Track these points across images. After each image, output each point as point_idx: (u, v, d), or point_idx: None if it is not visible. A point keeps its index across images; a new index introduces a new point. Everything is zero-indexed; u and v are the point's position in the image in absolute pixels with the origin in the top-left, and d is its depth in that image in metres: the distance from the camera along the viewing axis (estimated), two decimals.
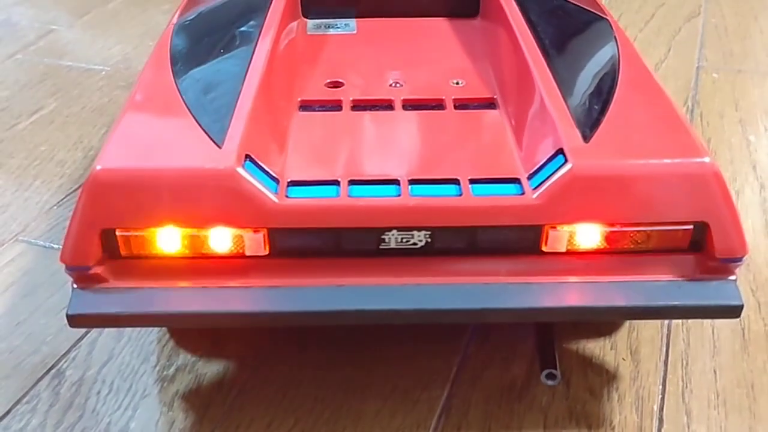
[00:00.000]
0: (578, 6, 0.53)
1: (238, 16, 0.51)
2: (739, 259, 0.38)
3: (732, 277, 0.39)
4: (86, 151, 0.67)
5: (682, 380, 0.46)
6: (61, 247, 0.38)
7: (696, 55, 0.83)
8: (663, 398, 0.44)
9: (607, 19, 0.52)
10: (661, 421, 0.43)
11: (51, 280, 0.53)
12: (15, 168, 0.65)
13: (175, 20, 0.53)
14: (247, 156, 0.38)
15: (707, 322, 0.49)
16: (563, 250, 0.39)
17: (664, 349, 0.48)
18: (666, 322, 0.49)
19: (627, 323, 0.49)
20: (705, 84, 0.78)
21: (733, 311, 0.38)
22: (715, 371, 0.46)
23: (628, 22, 0.91)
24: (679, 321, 0.49)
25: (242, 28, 0.50)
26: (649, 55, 0.83)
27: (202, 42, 0.49)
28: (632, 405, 0.44)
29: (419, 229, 0.38)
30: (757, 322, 0.50)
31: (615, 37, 0.49)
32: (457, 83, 0.48)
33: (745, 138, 0.69)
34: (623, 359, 0.47)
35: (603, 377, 0.46)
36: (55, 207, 0.60)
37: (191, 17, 0.53)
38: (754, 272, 0.54)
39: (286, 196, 0.38)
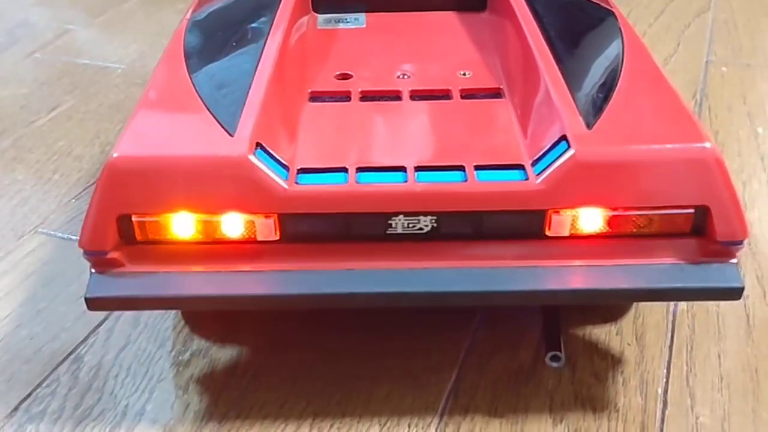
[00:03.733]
0: None
1: (250, 12, 0.53)
2: (740, 242, 0.39)
3: (733, 260, 0.39)
4: (103, 146, 0.69)
5: (687, 364, 0.46)
6: (78, 238, 0.39)
7: (705, 50, 0.84)
8: (667, 382, 0.45)
9: (613, 11, 0.52)
10: (665, 403, 0.44)
11: (69, 270, 0.54)
12: (34, 163, 0.67)
13: (188, 16, 0.54)
14: (259, 144, 0.39)
15: (712, 308, 0.50)
16: (566, 234, 0.40)
17: (669, 334, 0.48)
18: (671, 308, 0.50)
19: (633, 309, 0.50)
20: (714, 78, 0.78)
21: (733, 293, 0.39)
22: (719, 356, 0.47)
23: (638, 17, 0.91)
24: (685, 307, 0.50)
25: (254, 23, 0.51)
26: (659, 50, 0.84)
27: (215, 36, 0.51)
28: (637, 388, 0.45)
29: (425, 214, 0.39)
30: (762, 308, 0.50)
31: (620, 29, 0.50)
32: (464, 74, 0.49)
33: (753, 130, 0.70)
34: (628, 344, 0.47)
35: (608, 362, 0.46)
36: (73, 200, 0.62)
37: (204, 13, 0.54)
38: (759, 260, 0.54)
39: (296, 183, 0.39)
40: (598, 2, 0.54)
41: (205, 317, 0.49)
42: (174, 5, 0.96)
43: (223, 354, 0.47)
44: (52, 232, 0.58)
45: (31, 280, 0.54)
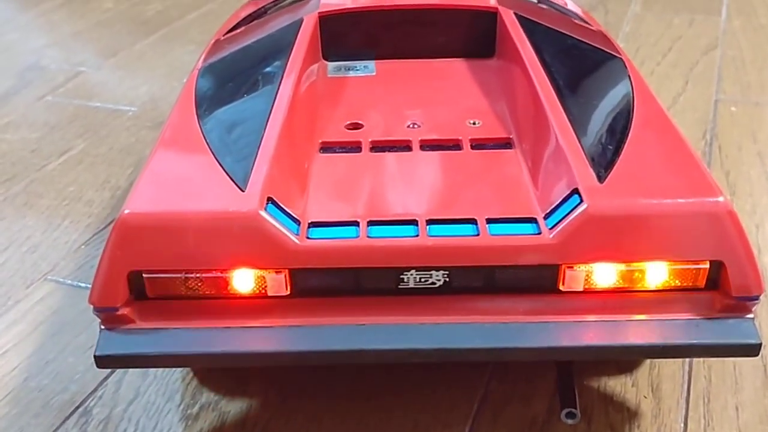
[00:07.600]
0: (592, 46, 0.54)
1: (261, 60, 0.53)
2: (756, 297, 0.38)
3: (749, 315, 0.39)
4: (113, 191, 0.69)
5: (704, 417, 0.45)
6: (88, 286, 0.39)
7: (714, 88, 0.84)
8: None
9: (621, 59, 0.52)
10: None
11: (79, 319, 0.54)
12: (45, 208, 0.67)
13: (199, 65, 0.55)
14: (269, 199, 0.39)
15: (728, 359, 0.49)
16: (580, 289, 0.39)
17: (686, 386, 0.48)
18: (687, 359, 0.49)
19: (648, 360, 0.49)
20: (723, 117, 0.78)
21: (750, 349, 0.38)
22: (736, 408, 0.46)
23: (645, 55, 0.91)
24: (700, 358, 0.49)
25: (264, 72, 0.51)
26: (667, 89, 0.84)
27: (226, 86, 0.51)
28: None
29: (437, 268, 0.39)
30: None
31: (629, 77, 0.50)
32: (474, 123, 0.49)
33: (764, 170, 0.69)
34: (644, 396, 0.47)
35: (624, 414, 0.46)
36: (83, 246, 0.62)
37: (215, 62, 0.55)
38: None
39: (307, 237, 0.39)
40: (606, 48, 0.54)
41: (214, 370, 0.49)
42: (184, 46, 0.97)
43: (233, 407, 0.47)
44: (61, 280, 0.58)
45: (40, 330, 0.54)
